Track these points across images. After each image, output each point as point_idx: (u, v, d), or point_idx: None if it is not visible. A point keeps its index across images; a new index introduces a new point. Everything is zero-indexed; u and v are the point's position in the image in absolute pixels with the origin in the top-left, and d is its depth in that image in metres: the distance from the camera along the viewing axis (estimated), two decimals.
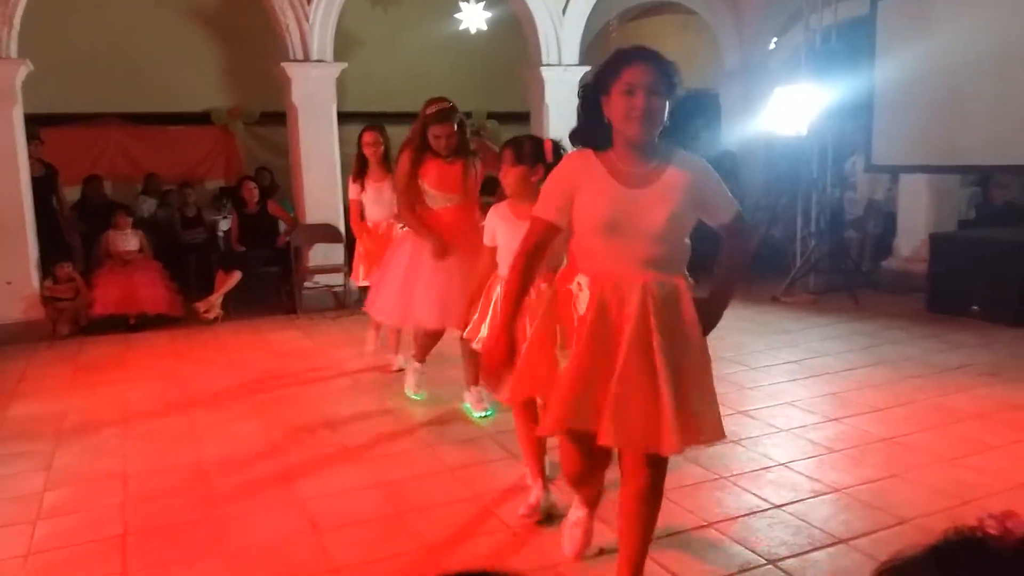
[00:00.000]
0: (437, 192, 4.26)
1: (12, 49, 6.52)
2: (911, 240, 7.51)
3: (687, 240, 2.31)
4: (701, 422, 2.24)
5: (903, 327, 6.08)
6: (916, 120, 6.79)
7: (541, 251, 2.35)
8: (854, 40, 7.52)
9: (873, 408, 4.26)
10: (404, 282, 4.32)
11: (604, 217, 2.20)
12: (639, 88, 2.16)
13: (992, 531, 0.84)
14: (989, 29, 6.18)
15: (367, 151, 5.43)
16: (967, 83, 6.36)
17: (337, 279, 7.57)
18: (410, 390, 4.77)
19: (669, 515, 3.13)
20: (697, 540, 2.94)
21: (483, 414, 4.32)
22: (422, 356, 4.71)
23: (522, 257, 2.34)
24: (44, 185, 7.31)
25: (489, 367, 2.41)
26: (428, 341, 4.60)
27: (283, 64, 7.40)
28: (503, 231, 3.20)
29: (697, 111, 10.96)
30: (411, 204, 4.31)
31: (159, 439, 4.22)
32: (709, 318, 2.34)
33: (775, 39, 10.02)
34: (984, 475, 3.37)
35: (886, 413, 4.19)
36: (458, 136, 4.19)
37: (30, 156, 6.88)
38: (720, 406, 2.30)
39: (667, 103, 2.21)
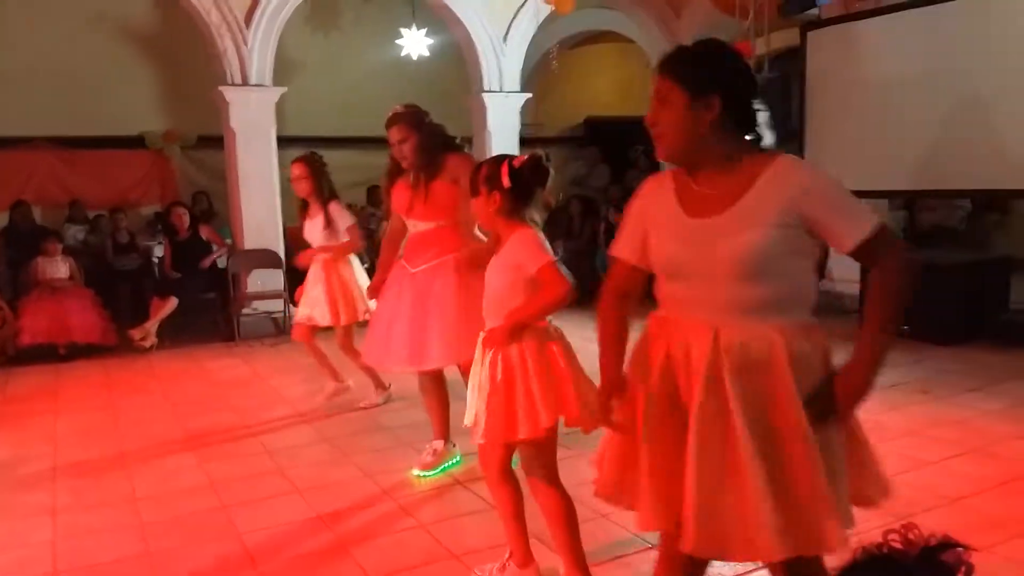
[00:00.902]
0: (405, 217, 3.76)
1: None
2: (843, 263, 7.73)
3: (805, 276, 1.79)
4: (814, 522, 1.64)
5: (837, 348, 6.23)
6: (845, 145, 7.03)
7: (624, 296, 1.94)
8: (787, 69, 7.77)
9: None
10: (385, 323, 3.78)
11: (663, 256, 1.80)
12: (652, 101, 1.80)
13: (896, 545, 0.86)
14: (914, 58, 6.45)
15: (293, 187, 5.14)
16: (893, 110, 6.61)
17: (277, 305, 7.44)
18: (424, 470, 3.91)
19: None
20: None
21: (440, 469, 3.90)
22: (443, 431, 3.96)
23: (601, 303, 1.94)
24: None
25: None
26: (432, 404, 3.95)
27: (221, 88, 7.30)
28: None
29: (636, 138, 11.19)
30: (390, 233, 3.95)
31: (90, 472, 4.06)
32: (843, 387, 1.71)
33: None
34: (919, 491, 3.45)
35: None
36: (418, 148, 3.62)
37: None
38: None
39: (685, 99, 1.73)
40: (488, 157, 2.75)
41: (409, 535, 3.22)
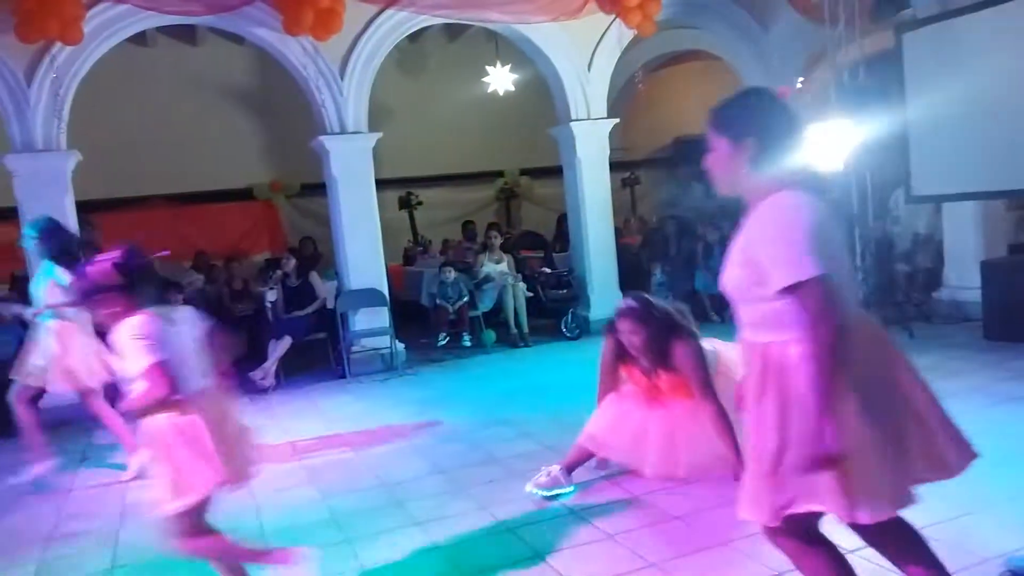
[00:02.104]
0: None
1: (62, 141, 6.83)
2: (960, 269, 7.37)
3: (778, 303, 1.97)
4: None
5: (964, 357, 5.92)
6: (953, 148, 6.73)
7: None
8: (883, 73, 7.52)
9: None
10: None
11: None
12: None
13: None
14: (1018, 53, 6.15)
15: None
16: (1000, 108, 6.30)
17: (384, 342, 7.64)
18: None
19: (738, 565, 3.06)
20: None
21: (558, 492, 3.95)
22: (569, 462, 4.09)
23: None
24: None
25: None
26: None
27: (320, 138, 7.62)
28: None
29: None
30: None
31: (220, 511, 4.23)
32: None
33: (801, 78, 10.06)
34: None
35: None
36: (648, 342, 3.82)
37: (85, 242, 7.12)
38: None
39: (727, 145, 2.06)
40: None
41: (523, 565, 3.23)
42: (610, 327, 4.01)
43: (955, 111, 6.62)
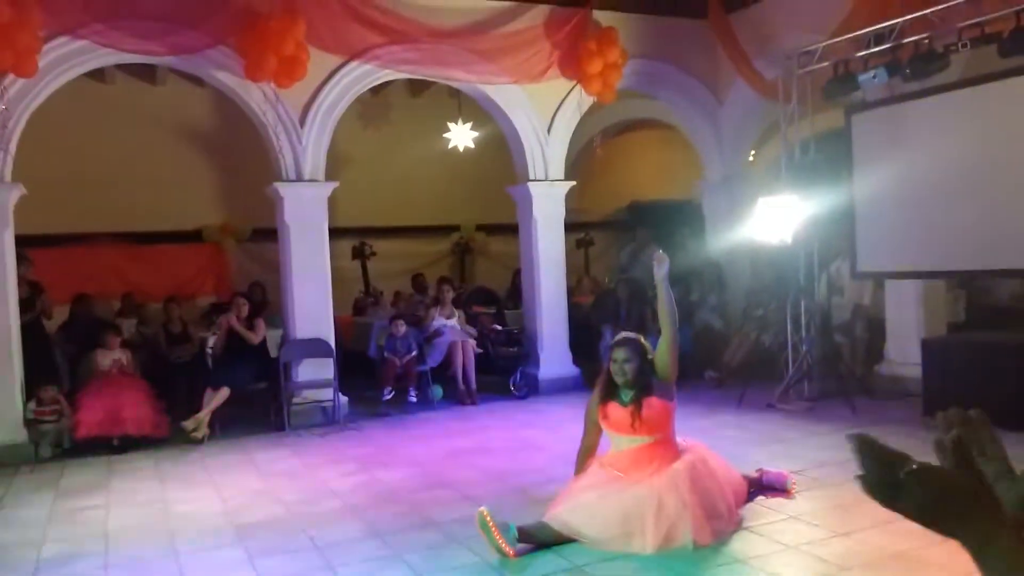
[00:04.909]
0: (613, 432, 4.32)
1: (6, 174, 6.63)
2: (901, 344, 7.52)
3: None
4: None
5: (904, 433, 5.96)
6: (896, 227, 6.93)
7: None
8: (832, 151, 7.76)
9: (882, 520, 4.10)
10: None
11: None
12: None
13: None
14: (961, 137, 6.40)
15: None
16: (940, 191, 6.53)
17: (327, 394, 7.46)
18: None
19: None
20: None
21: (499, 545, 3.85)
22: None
23: None
24: (32, 306, 7.28)
25: None
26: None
27: (276, 184, 7.53)
28: None
29: (681, 220, 11.21)
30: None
31: (142, 570, 4.03)
32: None
33: (753, 152, 10.34)
34: None
35: (897, 525, 4.03)
36: (638, 369, 4.21)
37: (18, 277, 6.87)
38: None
39: None
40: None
41: None
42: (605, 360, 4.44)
43: (899, 191, 6.84)
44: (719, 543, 3.93)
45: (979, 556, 0.79)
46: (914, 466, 0.80)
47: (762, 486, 4.70)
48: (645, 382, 4.19)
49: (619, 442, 4.26)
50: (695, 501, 3.92)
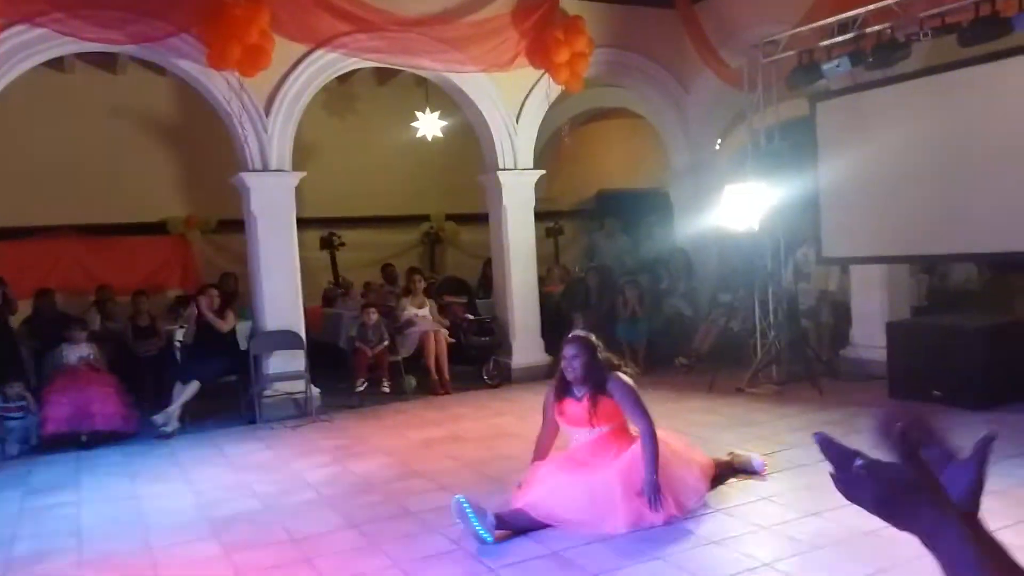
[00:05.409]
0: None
1: None
2: (866, 328, 7.66)
3: None
4: None
5: (870, 415, 6.11)
6: (861, 213, 7.06)
7: None
8: (797, 138, 7.87)
9: None
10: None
11: None
12: None
13: None
14: (922, 124, 6.53)
15: None
16: (903, 177, 6.66)
17: (298, 386, 7.42)
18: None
19: None
20: None
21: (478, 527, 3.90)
22: None
23: None
24: None
25: None
26: None
27: (242, 174, 7.44)
28: None
29: (649, 208, 11.30)
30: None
31: (114, 566, 3.99)
32: None
33: (719, 140, 10.44)
34: None
35: None
36: (586, 365, 4.25)
37: None
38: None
39: None
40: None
41: None
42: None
43: (863, 178, 6.96)
44: (692, 523, 4.01)
45: (932, 548, 0.82)
46: (865, 461, 0.84)
47: (734, 469, 4.77)
48: (597, 377, 4.25)
49: (578, 435, 4.36)
50: (660, 478, 4.01)
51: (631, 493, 4.00)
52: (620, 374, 4.32)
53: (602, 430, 4.26)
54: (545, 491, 4.13)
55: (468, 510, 3.90)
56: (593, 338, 4.40)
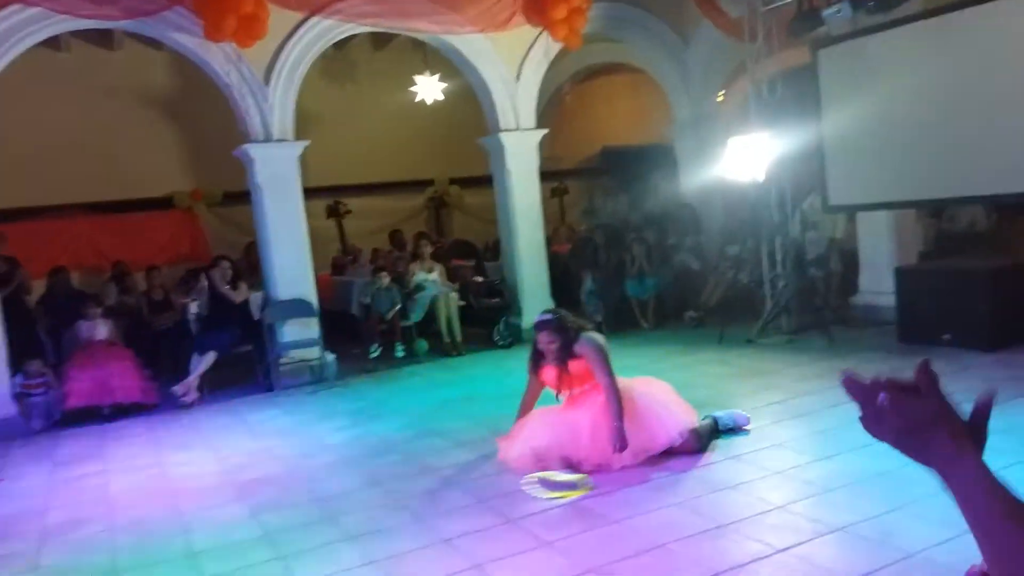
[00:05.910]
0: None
1: None
2: (875, 275, 7.69)
3: None
4: None
5: (880, 360, 6.18)
6: (866, 160, 7.03)
7: None
8: (800, 87, 7.81)
9: (864, 443, 4.29)
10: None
11: None
12: None
13: None
14: (926, 68, 6.47)
15: None
16: (908, 122, 6.62)
17: (313, 353, 7.51)
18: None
19: (674, 568, 3.13)
20: None
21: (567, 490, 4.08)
22: None
23: None
24: (10, 281, 7.22)
25: None
26: None
27: (245, 146, 7.45)
28: None
29: (654, 164, 11.26)
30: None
31: (147, 531, 4.11)
32: None
33: (723, 91, 10.37)
34: None
35: (878, 447, 4.16)
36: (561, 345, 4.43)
37: None
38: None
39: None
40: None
41: None
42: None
43: (868, 124, 6.93)
44: (706, 470, 4.09)
45: (947, 481, 0.85)
46: (889, 394, 0.87)
47: (719, 430, 4.68)
48: (569, 352, 4.44)
49: (559, 396, 4.61)
50: (627, 425, 4.22)
51: (600, 436, 4.25)
52: (589, 334, 4.50)
53: (580, 389, 4.51)
54: (528, 434, 4.45)
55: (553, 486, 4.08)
56: (562, 314, 4.58)
